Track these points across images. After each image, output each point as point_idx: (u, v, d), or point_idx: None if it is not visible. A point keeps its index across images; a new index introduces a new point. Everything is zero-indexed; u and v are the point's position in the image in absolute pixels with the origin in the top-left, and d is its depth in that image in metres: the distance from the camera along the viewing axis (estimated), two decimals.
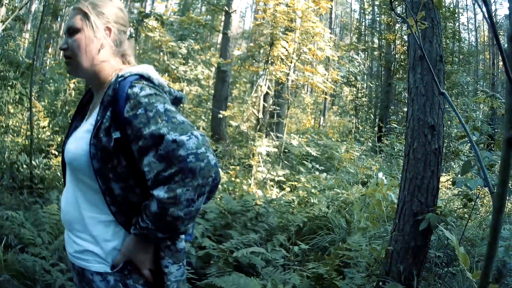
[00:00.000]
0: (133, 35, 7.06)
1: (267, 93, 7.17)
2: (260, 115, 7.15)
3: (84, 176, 1.16)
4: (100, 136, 1.10)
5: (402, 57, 12.84)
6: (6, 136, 9.55)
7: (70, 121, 1.34)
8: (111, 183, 1.12)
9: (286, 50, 7.17)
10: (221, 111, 7.55)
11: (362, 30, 16.38)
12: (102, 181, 1.11)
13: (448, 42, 11.20)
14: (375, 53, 14.83)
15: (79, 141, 1.16)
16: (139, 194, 1.14)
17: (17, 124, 10.43)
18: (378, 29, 14.93)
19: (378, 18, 14.93)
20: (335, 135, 11.10)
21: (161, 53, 7.59)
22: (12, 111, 10.48)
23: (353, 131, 12.76)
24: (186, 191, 1.01)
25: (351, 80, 12.97)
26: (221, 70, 7.88)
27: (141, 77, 1.15)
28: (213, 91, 9.18)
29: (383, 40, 14.10)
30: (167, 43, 7.33)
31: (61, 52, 1.47)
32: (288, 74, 7.24)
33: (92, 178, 1.13)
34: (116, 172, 1.11)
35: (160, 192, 1.02)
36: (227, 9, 7.65)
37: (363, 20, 17.68)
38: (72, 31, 1.23)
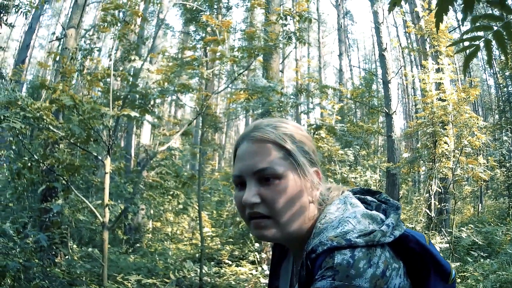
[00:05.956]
0: None
1: (435, 191, 7.14)
2: (433, 214, 7.06)
3: None
4: None
5: None
6: (167, 243, 10.27)
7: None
8: None
9: (448, 145, 7.20)
10: None
11: (502, 106, 15.63)
12: None
13: None
14: None
15: None
16: None
17: (178, 232, 11.30)
18: None
19: None
20: (493, 220, 10.61)
21: (332, 163, 8.04)
22: (171, 219, 11.47)
23: (511, 213, 11.86)
24: None
25: (501, 161, 12.23)
26: (390, 174, 7.86)
27: None
28: None
29: None
30: (336, 152, 7.78)
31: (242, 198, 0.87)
32: (453, 170, 7.17)
33: None
34: None
35: None
36: (387, 111, 7.70)
37: (501, 95, 16.87)
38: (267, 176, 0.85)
